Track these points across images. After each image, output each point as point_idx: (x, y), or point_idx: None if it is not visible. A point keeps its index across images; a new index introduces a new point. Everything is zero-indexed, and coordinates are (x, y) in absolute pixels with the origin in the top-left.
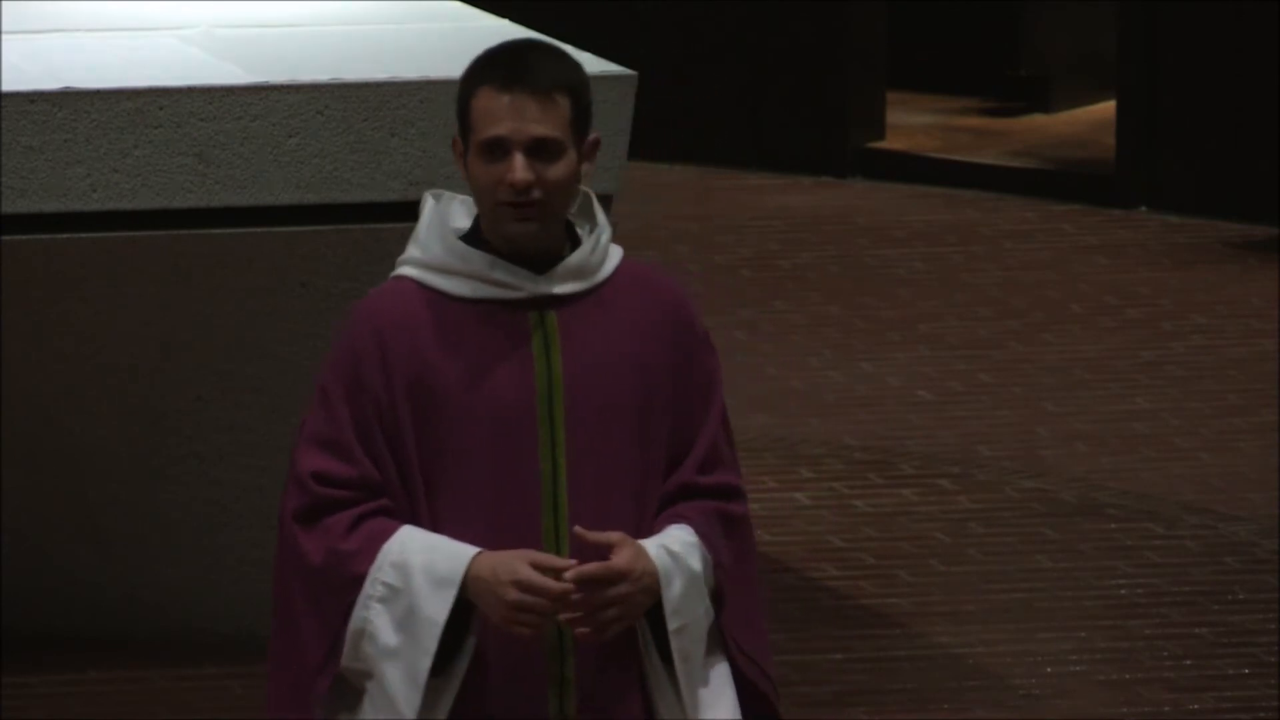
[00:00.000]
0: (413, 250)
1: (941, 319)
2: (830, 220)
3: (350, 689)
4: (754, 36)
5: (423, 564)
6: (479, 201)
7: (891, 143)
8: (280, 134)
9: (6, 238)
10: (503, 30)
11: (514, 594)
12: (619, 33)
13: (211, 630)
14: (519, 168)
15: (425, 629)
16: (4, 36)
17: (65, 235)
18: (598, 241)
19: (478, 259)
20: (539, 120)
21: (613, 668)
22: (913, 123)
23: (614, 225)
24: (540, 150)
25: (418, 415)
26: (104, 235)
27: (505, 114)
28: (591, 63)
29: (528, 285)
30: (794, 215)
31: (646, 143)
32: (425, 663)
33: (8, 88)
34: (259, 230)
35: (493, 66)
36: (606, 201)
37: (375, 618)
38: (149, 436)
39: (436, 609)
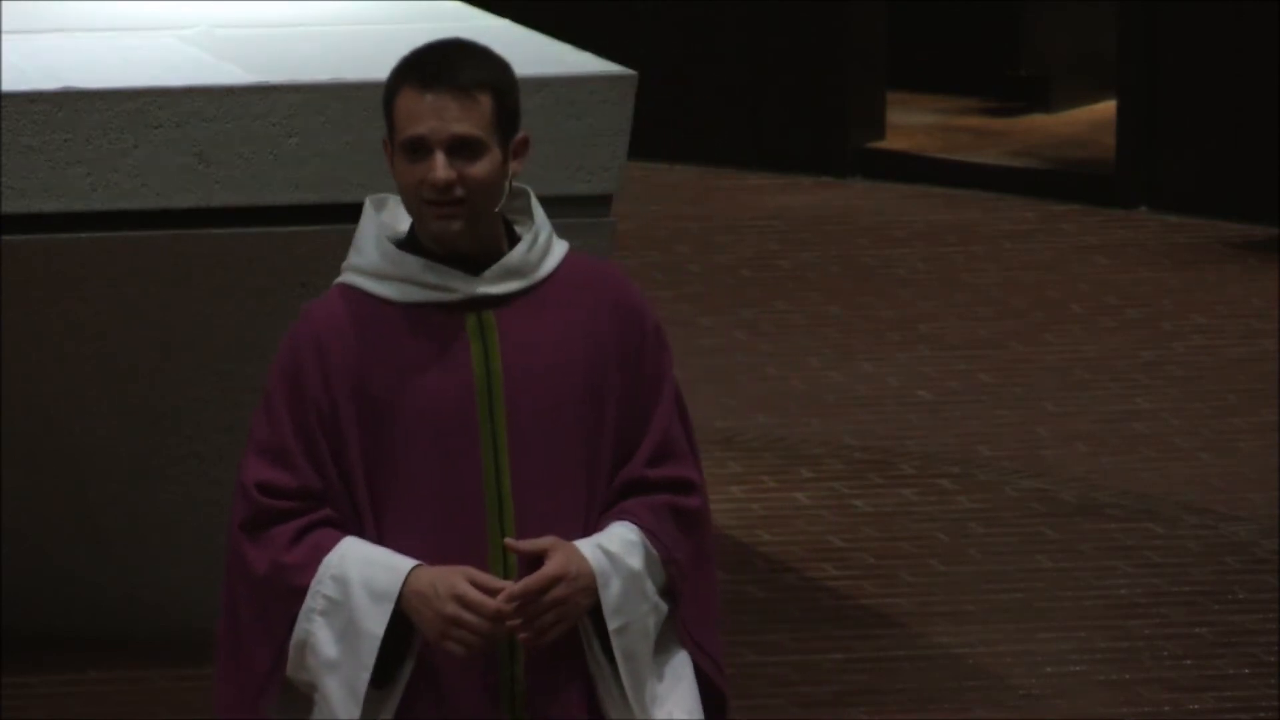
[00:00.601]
0: (352, 257)
1: (941, 319)
2: (830, 220)
3: (300, 695)
4: (754, 36)
5: (361, 577)
6: (405, 202)
7: (891, 143)
8: (280, 134)
9: (6, 238)
10: (503, 30)
11: (452, 608)
12: (619, 33)
13: (211, 630)
14: (439, 166)
15: (364, 642)
16: (4, 36)
17: (65, 235)
18: (535, 239)
19: (411, 263)
20: (459, 119)
21: (561, 668)
22: (913, 123)
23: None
24: (462, 149)
25: (360, 421)
26: (104, 235)
27: (425, 113)
28: (591, 63)
29: (463, 287)
30: (794, 215)
31: (646, 143)
32: (364, 676)
33: (8, 88)
34: (259, 230)
35: (414, 67)
36: (606, 201)
37: (317, 630)
38: (149, 436)
39: (374, 623)
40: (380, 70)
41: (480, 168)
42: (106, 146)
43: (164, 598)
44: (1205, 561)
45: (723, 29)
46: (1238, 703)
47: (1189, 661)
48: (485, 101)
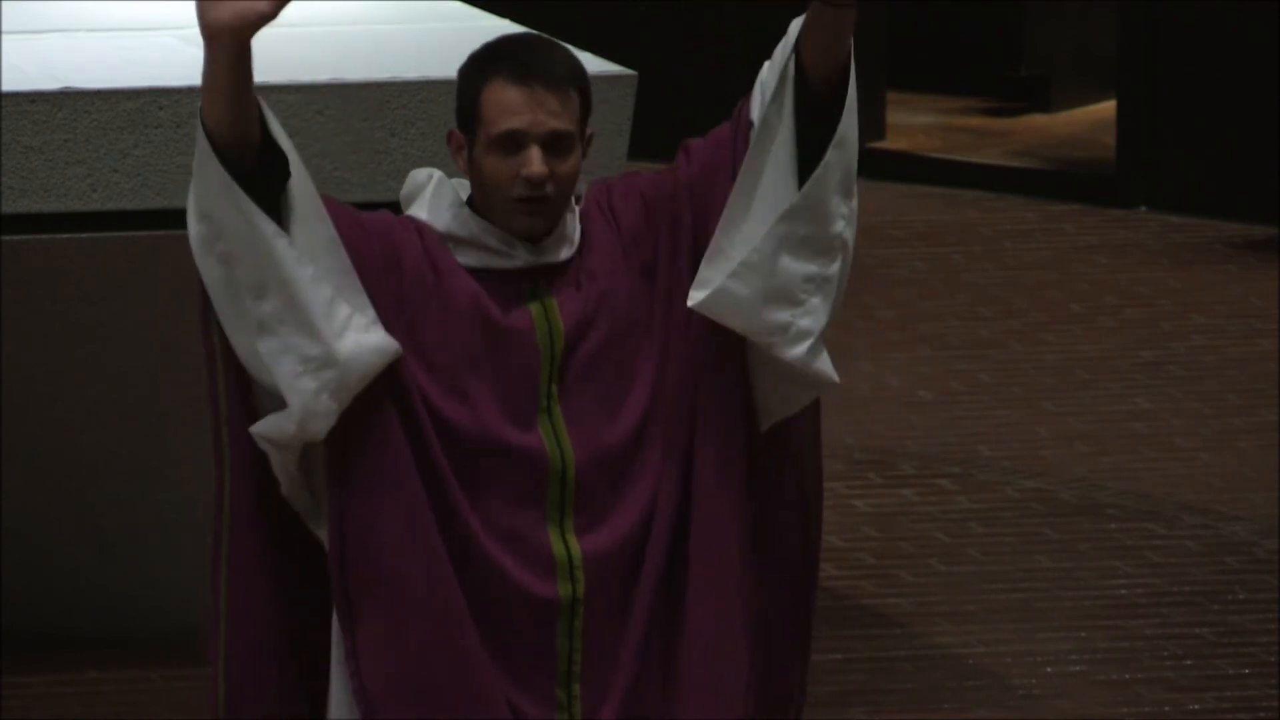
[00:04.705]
0: (418, 212)
1: (941, 319)
2: None
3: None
4: (754, 36)
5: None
6: (489, 195)
7: (891, 143)
8: None
9: (6, 238)
10: (503, 30)
11: None
12: (619, 33)
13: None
14: (536, 160)
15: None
16: (4, 36)
17: (65, 235)
18: (573, 208)
19: (480, 227)
20: (557, 114)
21: (621, 659)
22: (913, 123)
23: None
24: (554, 144)
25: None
26: (104, 235)
27: (523, 107)
28: (591, 63)
29: (523, 255)
30: None
31: (646, 143)
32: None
33: (8, 88)
34: None
35: (506, 58)
36: None
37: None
38: (149, 436)
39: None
40: (380, 70)
41: (569, 164)
42: (106, 146)
43: (164, 598)
44: (1205, 561)
45: (723, 29)
46: (1238, 703)
47: (1189, 661)
48: (575, 97)
